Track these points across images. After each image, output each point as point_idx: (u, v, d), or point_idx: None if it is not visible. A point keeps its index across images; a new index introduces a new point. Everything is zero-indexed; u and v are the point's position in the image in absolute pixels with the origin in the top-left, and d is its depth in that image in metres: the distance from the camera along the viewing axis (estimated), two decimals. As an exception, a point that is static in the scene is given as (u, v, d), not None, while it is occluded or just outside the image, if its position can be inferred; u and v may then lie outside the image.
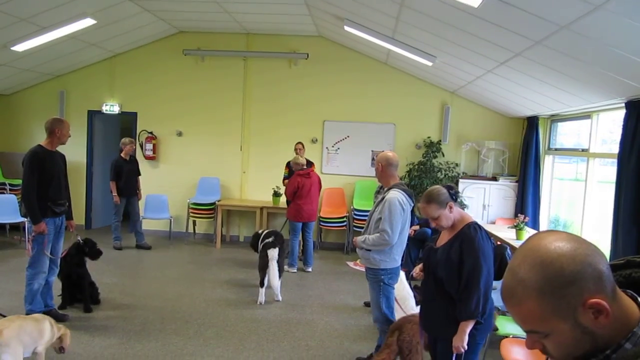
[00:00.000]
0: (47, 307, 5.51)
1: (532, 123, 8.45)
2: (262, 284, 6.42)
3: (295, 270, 8.00)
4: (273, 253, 6.41)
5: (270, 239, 6.63)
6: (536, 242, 1.15)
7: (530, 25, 4.62)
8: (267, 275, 6.38)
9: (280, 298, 6.57)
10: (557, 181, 8.55)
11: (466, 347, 3.13)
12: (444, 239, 3.29)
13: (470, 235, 3.11)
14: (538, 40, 4.83)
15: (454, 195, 3.26)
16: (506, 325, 4.68)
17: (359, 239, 4.35)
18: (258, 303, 6.40)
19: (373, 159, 9.60)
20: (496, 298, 5.43)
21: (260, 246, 6.73)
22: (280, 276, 6.54)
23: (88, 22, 7.70)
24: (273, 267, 6.36)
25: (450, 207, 3.18)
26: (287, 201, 8.07)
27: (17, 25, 7.26)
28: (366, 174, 9.62)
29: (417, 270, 3.49)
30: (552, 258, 1.10)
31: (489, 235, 3.27)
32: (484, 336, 3.27)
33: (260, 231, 7.35)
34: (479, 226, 3.21)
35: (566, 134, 8.51)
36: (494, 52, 5.94)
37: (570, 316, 1.10)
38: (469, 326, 3.10)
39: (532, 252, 1.13)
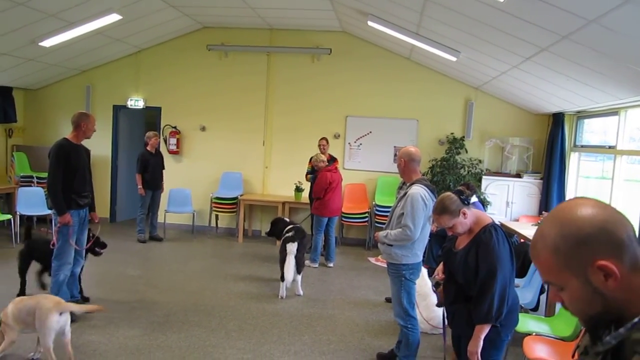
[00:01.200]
0: (72, 297, 5.61)
1: (557, 119, 8.33)
2: (282, 278, 6.45)
3: (317, 266, 8.02)
4: (292, 247, 6.44)
5: (290, 234, 6.65)
6: (565, 205, 1.27)
7: (557, 19, 4.55)
8: None
9: (301, 292, 6.61)
10: (583, 179, 8.43)
11: (479, 354, 3.14)
12: (462, 242, 3.28)
13: (485, 240, 3.10)
14: (565, 35, 4.76)
15: (466, 200, 3.21)
16: (529, 323, 4.64)
17: (381, 233, 4.34)
18: (279, 297, 6.44)
19: (395, 155, 9.56)
20: (520, 295, 5.39)
21: (281, 240, 6.76)
22: (300, 271, 6.58)
23: (114, 17, 7.79)
24: (290, 261, 6.38)
25: (464, 214, 3.17)
26: (311, 198, 8.06)
27: (45, 20, 7.39)
28: (388, 169, 9.59)
29: (439, 273, 3.47)
30: (572, 219, 1.20)
31: (507, 235, 3.24)
32: (508, 333, 3.26)
33: (283, 218, 7.50)
34: (496, 228, 3.19)
35: (592, 132, 8.38)
36: (520, 47, 5.87)
37: (581, 274, 1.20)
38: (483, 331, 3.10)
39: (558, 212, 1.26)
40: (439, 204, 3.24)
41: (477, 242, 3.13)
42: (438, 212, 3.22)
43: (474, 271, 3.10)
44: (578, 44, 4.80)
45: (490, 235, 3.10)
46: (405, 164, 4.32)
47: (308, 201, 8.36)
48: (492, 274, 3.03)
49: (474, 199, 7.09)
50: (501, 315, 3.08)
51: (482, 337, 3.11)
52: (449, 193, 3.30)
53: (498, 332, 3.17)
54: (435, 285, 3.65)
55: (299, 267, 6.55)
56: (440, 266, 3.50)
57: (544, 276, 1.28)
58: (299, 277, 6.57)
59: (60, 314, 4.08)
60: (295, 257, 6.45)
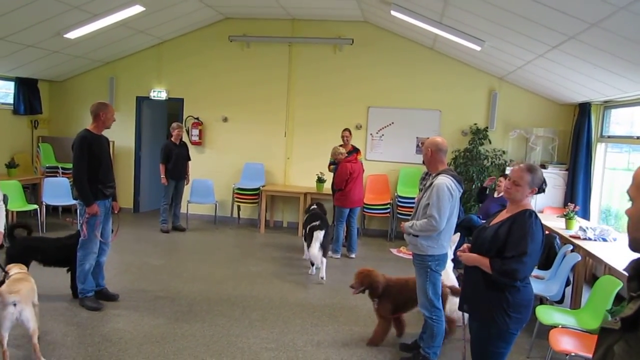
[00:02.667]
0: (98, 286, 5.68)
1: (584, 109, 8.19)
2: (312, 263, 7.06)
3: (339, 256, 8.02)
4: (319, 235, 6.87)
5: (317, 223, 7.06)
6: None
7: (586, 6, 4.46)
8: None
9: (324, 275, 6.83)
10: (609, 171, 8.27)
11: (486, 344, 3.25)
12: (498, 218, 3.30)
13: (523, 218, 3.13)
14: (594, 23, 4.66)
15: (542, 188, 3.25)
16: (555, 315, 4.59)
17: (407, 224, 4.32)
18: (309, 272, 7.13)
19: (418, 146, 9.50)
20: (546, 287, 5.33)
21: (307, 229, 7.19)
22: (325, 255, 6.94)
23: (137, 9, 7.83)
24: (314, 245, 6.83)
25: (532, 191, 3.20)
26: (334, 189, 8.04)
27: (70, 12, 7.45)
28: (411, 160, 9.54)
29: (464, 247, 3.45)
30: None
31: (542, 225, 3.22)
32: (518, 327, 3.21)
33: (311, 207, 7.94)
34: (535, 214, 3.19)
35: (618, 123, 8.21)
36: (546, 35, 5.76)
37: None
38: (485, 266, 3.15)
39: None
40: (531, 165, 3.27)
41: (514, 218, 3.16)
42: (526, 169, 3.21)
43: (502, 242, 3.13)
44: (607, 31, 4.70)
45: (530, 217, 3.13)
46: (432, 154, 4.27)
47: (330, 192, 8.34)
48: (523, 245, 3.04)
49: None
50: (526, 277, 3.12)
51: (479, 263, 3.18)
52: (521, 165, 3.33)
53: (507, 325, 3.15)
54: (457, 263, 3.66)
55: (324, 252, 6.94)
56: (466, 245, 3.46)
57: (631, 190, 1.48)
58: (323, 261, 6.92)
59: (15, 304, 3.91)
60: (321, 244, 6.86)
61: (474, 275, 3.28)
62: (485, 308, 3.19)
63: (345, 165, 7.83)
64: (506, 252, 3.09)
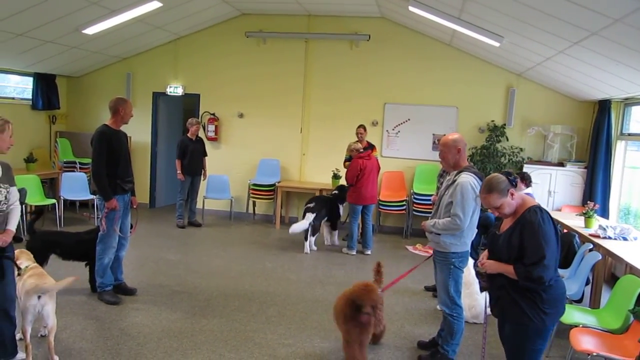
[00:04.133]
0: (117, 280, 5.72)
1: (603, 107, 8.08)
2: (305, 238, 8.06)
3: (355, 253, 8.01)
4: (308, 215, 7.95)
5: (311, 204, 8.09)
6: None
7: (611, 1, 4.39)
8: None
9: (309, 249, 8.06)
10: (628, 169, 8.17)
11: (523, 345, 3.20)
12: (506, 224, 3.28)
13: (529, 219, 3.11)
14: (618, 18, 4.59)
15: (514, 181, 3.22)
16: (575, 315, 4.54)
17: (429, 223, 4.29)
18: (304, 252, 7.98)
19: (434, 143, 9.45)
20: (565, 286, 5.28)
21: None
22: (313, 235, 8.08)
23: (155, 4, 7.85)
24: (302, 222, 7.95)
25: (512, 194, 3.17)
26: (348, 185, 8.04)
27: (89, 8, 7.49)
28: (427, 157, 9.49)
29: (483, 258, 3.42)
30: None
31: (552, 217, 3.20)
32: (554, 321, 3.21)
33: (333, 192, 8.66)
34: (540, 209, 3.17)
35: (638, 121, 8.10)
36: (568, 31, 5.69)
37: None
38: (511, 273, 3.12)
39: None
40: (487, 183, 3.23)
41: (521, 222, 3.14)
42: (486, 191, 3.20)
43: (517, 250, 3.11)
44: (632, 27, 4.62)
45: (536, 215, 3.10)
46: (459, 151, 4.25)
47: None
48: (540, 252, 3.02)
49: (529, 190, 6.98)
50: (551, 279, 3.08)
51: (505, 271, 3.15)
52: (496, 174, 3.30)
53: (544, 322, 3.14)
54: (479, 275, 3.63)
55: (313, 232, 8.08)
56: (485, 253, 3.45)
57: None
58: (312, 239, 8.11)
59: (39, 297, 3.95)
60: (312, 225, 7.96)
61: (499, 279, 3.26)
62: (519, 309, 3.16)
63: (357, 161, 7.81)
64: (526, 260, 3.07)
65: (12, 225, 3.90)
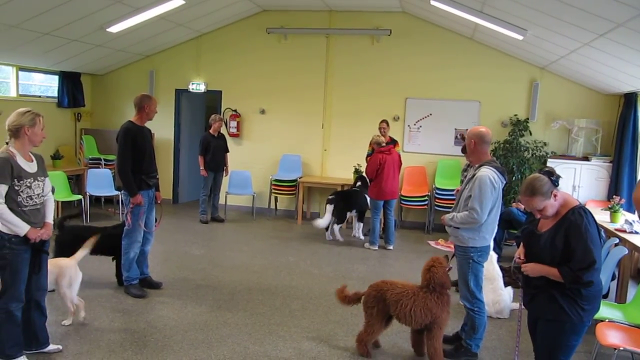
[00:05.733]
0: (142, 274, 5.82)
1: (630, 100, 7.96)
2: (326, 228, 8.51)
3: (377, 248, 8.02)
4: (328, 207, 8.34)
5: (332, 196, 8.44)
6: None
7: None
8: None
9: (333, 237, 8.53)
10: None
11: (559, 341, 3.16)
12: (547, 224, 3.18)
13: (576, 221, 3.02)
14: (645, 9, 4.53)
15: (556, 182, 3.12)
16: (601, 310, 4.48)
17: (447, 216, 4.28)
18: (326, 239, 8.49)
19: (456, 138, 9.40)
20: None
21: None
22: (337, 223, 8.50)
23: (177, 2, 7.93)
24: (325, 216, 8.37)
25: (555, 195, 3.07)
26: (369, 180, 8.05)
27: (113, 7, 7.59)
28: (449, 152, 9.44)
29: (520, 256, 3.37)
30: None
31: (595, 219, 3.13)
32: (590, 318, 3.16)
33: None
34: (585, 210, 3.09)
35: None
36: (593, 23, 5.62)
37: None
38: (555, 276, 3.06)
39: None
40: (528, 186, 3.10)
41: (566, 223, 3.05)
42: (529, 194, 3.08)
43: (562, 252, 3.04)
44: (659, 18, 4.56)
45: (581, 217, 3.03)
46: (475, 145, 4.21)
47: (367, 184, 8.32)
48: (589, 255, 2.96)
49: None
50: (594, 284, 3.02)
51: (548, 274, 3.08)
52: (537, 174, 3.18)
53: (582, 318, 3.10)
54: (516, 269, 3.56)
55: (338, 221, 8.47)
56: (521, 248, 3.40)
57: None
58: (337, 227, 8.49)
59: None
60: (333, 213, 8.32)
61: (537, 279, 3.19)
62: (557, 306, 3.11)
63: (377, 156, 7.81)
64: (573, 264, 2.99)
65: (50, 218, 4.02)
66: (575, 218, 3.03)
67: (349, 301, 4.52)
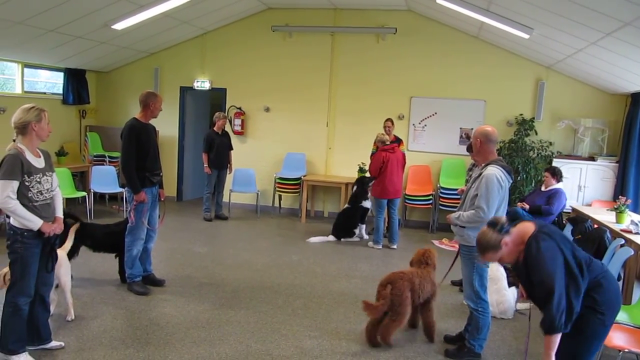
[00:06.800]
0: (145, 271, 5.81)
1: (637, 99, 7.91)
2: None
3: (381, 247, 8.00)
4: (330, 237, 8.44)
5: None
6: None
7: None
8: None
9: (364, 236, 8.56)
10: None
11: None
12: (521, 255, 3.11)
13: (529, 252, 2.96)
14: (653, 8, 4.48)
15: (502, 229, 3.03)
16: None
17: (453, 215, 4.25)
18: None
19: (461, 137, 9.37)
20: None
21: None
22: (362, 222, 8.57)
23: (182, -1, 7.93)
24: (322, 237, 8.38)
25: (506, 244, 3.03)
26: (372, 178, 8.02)
27: (118, 4, 7.59)
28: (454, 151, 9.41)
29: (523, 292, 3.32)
30: None
31: (551, 235, 2.99)
32: (612, 319, 3.04)
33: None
34: (537, 236, 2.96)
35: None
36: (600, 22, 5.58)
37: None
38: (552, 341, 2.91)
39: None
40: (477, 243, 3.15)
41: (525, 255, 3.00)
42: (481, 252, 3.14)
43: (530, 282, 3.00)
44: (667, 17, 4.52)
45: (530, 247, 2.95)
46: (481, 144, 4.18)
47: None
48: (545, 285, 2.87)
49: (560, 185, 6.88)
50: (564, 325, 2.86)
51: (553, 349, 2.91)
52: (483, 229, 3.15)
53: (603, 322, 2.98)
54: (507, 270, 3.52)
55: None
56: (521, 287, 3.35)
57: None
58: (363, 227, 8.53)
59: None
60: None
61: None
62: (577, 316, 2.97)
63: (380, 154, 7.79)
64: (537, 300, 2.96)
65: (60, 213, 4.06)
66: (529, 250, 2.96)
67: (379, 311, 4.52)
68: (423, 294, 4.66)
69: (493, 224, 3.10)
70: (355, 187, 8.46)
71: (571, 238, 6.61)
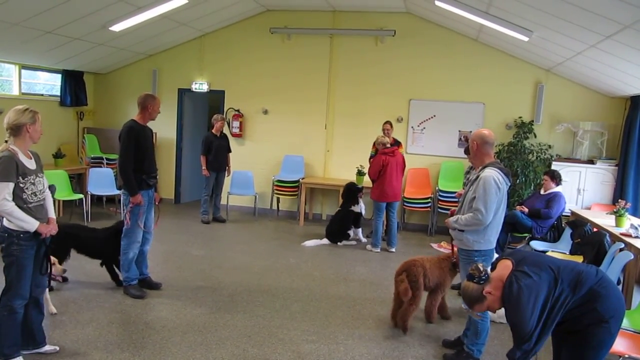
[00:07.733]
0: (142, 274, 5.77)
1: (636, 103, 7.89)
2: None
3: (379, 250, 7.96)
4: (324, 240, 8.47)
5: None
6: None
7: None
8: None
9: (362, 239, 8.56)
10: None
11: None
12: None
13: (506, 297, 2.93)
14: (653, 10, 4.46)
15: (481, 280, 3.01)
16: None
17: (451, 219, 4.22)
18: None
19: (460, 140, 9.34)
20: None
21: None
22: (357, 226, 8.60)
23: (181, 1, 7.89)
24: (316, 240, 8.39)
25: (489, 293, 2.99)
26: (371, 181, 7.99)
27: (116, 5, 7.56)
28: (453, 154, 9.38)
29: None
30: None
31: (525, 272, 2.93)
32: (617, 327, 2.98)
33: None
34: (511, 282, 2.92)
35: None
36: (599, 24, 5.56)
37: None
38: None
39: None
40: (464, 298, 3.16)
41: (501, 297, 2.98)
42: (468, 305, 3.13)
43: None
44: (667, 19, 4.49)
45: (504, 291, 2.93)
46: (478, 147, 4.15)
47: (370, 185, 8.27)
48: (516, 328, 2.89)
49: (559, 188, 6.85)
50: (533, 352, 2.91)
51: None
52: (464, 283, 3.13)
53: (609, 330, 2.92)
54: None
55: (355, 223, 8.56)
56: None
57: None
58: (359, 230, 8.59)
59: None
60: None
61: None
62: (581, 326, 2.94)
63: (380, 157, 7.75)
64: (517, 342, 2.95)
65: (53, 214, 4.05)
66: (505, 294, 2.93)
67: (408, 294, 4.89)
68: (432, 278, 5.04)
69: (471, 276, 3.06)
70: (342, 192, 8.65)
71: (570, 242, 6.59)
